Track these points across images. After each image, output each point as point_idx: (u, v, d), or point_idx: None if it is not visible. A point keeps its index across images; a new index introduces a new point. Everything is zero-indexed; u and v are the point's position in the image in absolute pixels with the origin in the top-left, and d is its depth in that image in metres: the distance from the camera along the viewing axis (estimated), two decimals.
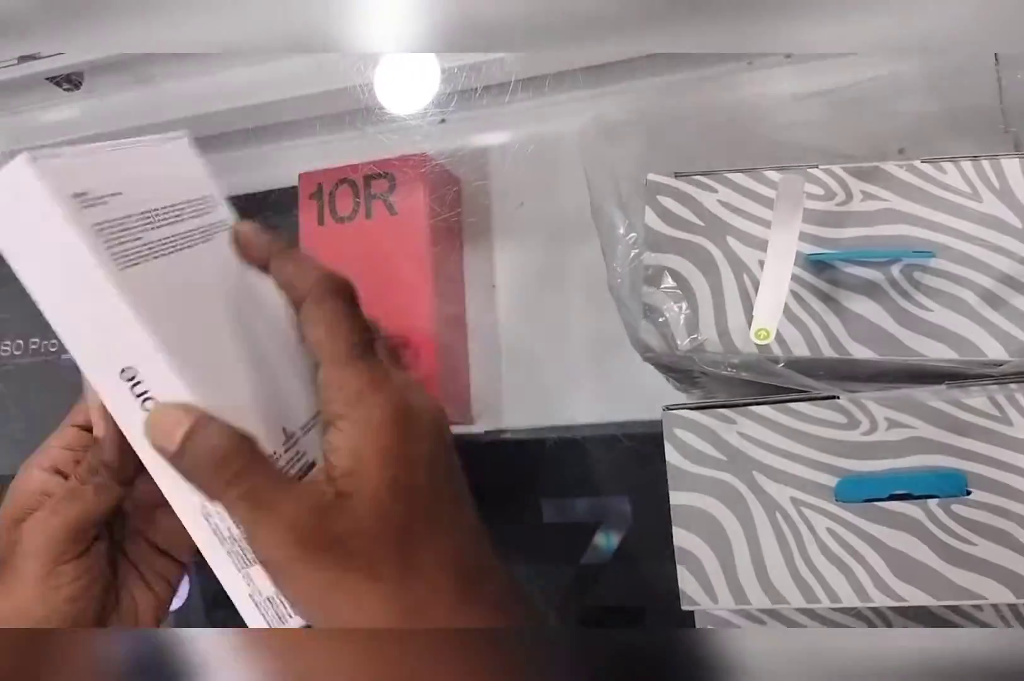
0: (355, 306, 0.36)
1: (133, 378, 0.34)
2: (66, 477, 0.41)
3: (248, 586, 0.37)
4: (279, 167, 0.68)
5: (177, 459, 0.34)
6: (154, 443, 0.34)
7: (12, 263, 0.34)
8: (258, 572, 0.36)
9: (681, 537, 0.43)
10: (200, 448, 0.33)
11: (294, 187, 0.64)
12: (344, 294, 0.35)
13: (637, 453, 0.55)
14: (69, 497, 0.40)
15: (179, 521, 0.37)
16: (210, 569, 0.37)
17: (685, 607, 0.42)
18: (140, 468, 0.38)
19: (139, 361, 0.34)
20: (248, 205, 0.67)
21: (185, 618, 0.68)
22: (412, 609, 0.33)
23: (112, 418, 0.37)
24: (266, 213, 0.67)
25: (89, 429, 0.42)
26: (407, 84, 0.64)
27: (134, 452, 0.37)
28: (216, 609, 0.68)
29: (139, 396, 0.35)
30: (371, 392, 0.34)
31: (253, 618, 0.37)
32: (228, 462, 0.33)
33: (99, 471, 0.40)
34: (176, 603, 0.64)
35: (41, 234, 0.33)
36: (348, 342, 0.35)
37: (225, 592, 0.37)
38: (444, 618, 0.33)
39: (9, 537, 0.40)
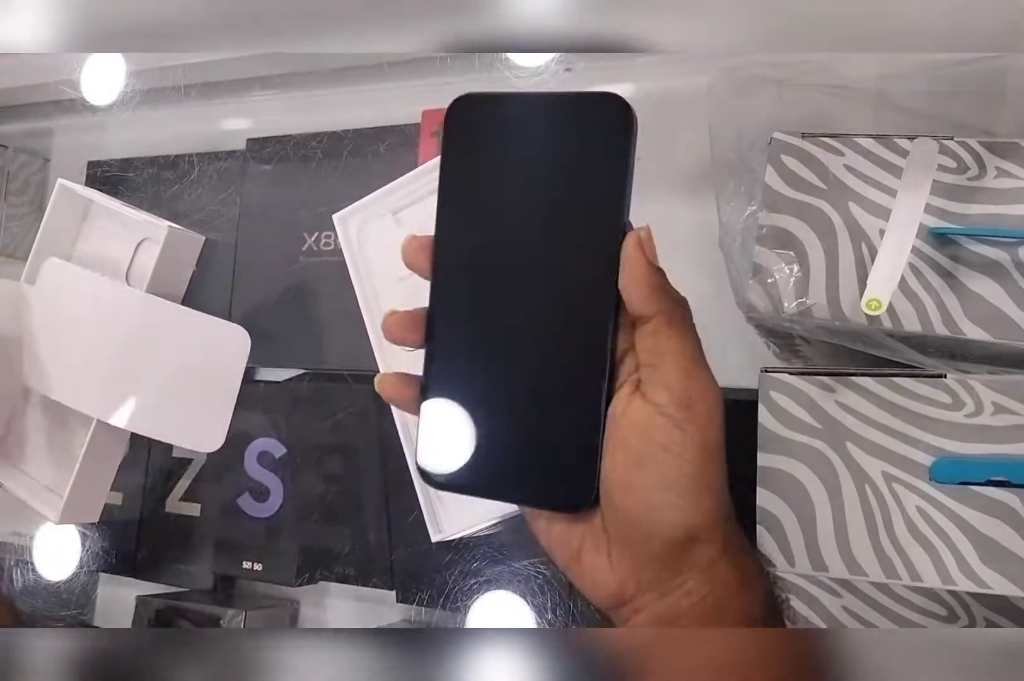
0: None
1: None
2: None
3: None
4: (404, 104, 0.70)
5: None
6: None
7: None
8: None
9: (764, 498, 0.43)
10: None
11: (416, 124, 0.68)
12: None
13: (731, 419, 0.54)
14: None
15: None
16: None
17: None
18: None
19: None
20: (371, 138, 0.69)
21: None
22: None
23: None
24: (387, 147, 0.69)
25: None
26: None
27: None
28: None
29: None
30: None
31: None
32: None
33: None
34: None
35: None
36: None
37: None
38: None
39: None
